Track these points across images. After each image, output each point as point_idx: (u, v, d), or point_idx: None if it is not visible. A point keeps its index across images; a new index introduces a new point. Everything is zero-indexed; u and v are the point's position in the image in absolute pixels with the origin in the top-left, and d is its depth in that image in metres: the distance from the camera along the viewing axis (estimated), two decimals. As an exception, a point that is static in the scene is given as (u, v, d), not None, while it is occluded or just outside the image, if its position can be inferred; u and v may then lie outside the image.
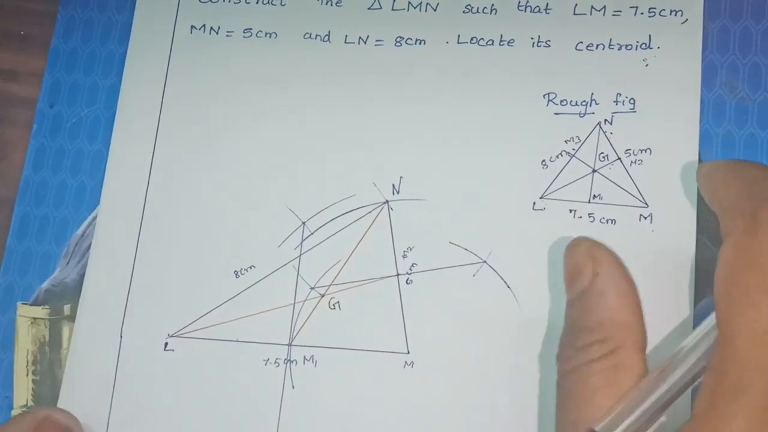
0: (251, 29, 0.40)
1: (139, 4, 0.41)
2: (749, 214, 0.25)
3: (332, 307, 0.36)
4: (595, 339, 0.26)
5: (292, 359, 0.35)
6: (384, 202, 0.37)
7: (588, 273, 0.28)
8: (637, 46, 0.37)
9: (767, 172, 0.28)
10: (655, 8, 0.37)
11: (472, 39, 0.38)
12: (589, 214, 0.35)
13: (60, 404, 0.36)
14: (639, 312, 0.28)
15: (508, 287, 0.35)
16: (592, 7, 0.38)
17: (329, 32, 0.39)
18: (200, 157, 0.38)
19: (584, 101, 0.37)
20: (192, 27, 0.40)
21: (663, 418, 0.27)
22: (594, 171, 0.36)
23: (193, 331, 0.36)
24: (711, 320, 0.27)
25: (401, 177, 0.37)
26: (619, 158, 0.36)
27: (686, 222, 0.35)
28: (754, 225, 0.25)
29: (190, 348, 0.36)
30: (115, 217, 0.38)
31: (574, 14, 0.38)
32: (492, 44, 0.38)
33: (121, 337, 0.36)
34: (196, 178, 0.38)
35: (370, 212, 0.37)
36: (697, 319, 0.32)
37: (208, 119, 0.39)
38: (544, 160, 0.36)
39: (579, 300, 0.28)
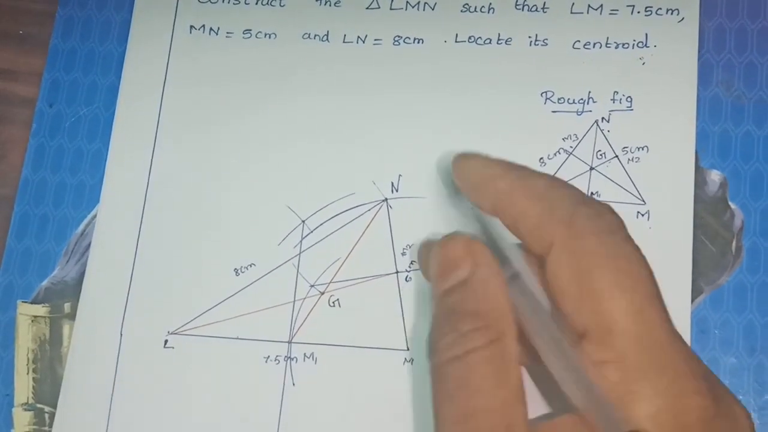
0: (251, 30, 0.40)
1: (138, 4, 0.41)
2: (567, 221, 0.26)
3: (332, 304, 0.36)
4: (478, 325, 0.26)
5: (292, 356, 0.36)
6: (383, 200, 0.37)
7: (467, 264, 0.27)
8: (634, 44, 0.37)
9: (551, 182, 0.29)
10: (651, 7, 0.38)
11: (469, 38, 0.39)
12: (586, 211, 0.36)
13: (60, 402, 0.36)
14: (513, 308, 0.28)
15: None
16: (589, 5, 0.38)
17: (328, 32, 0.40)
18: (200, 156, 0.38)
19: (581, 99, 0.37)
20: (191, 27, 0.40)
21: None
22: (591, 168, 0.36)
23: (193, 328, 0.36)
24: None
25: (400, 175, 0.37)
26: (617, 156, 0.36)
27: (683, 219, 0.35)
28: (576, 229, 0.26)
29: (190, 345, 0.36)
30: (115, 215, 0.38)
31: (571, 13, 0.38)
32: (490, 43, 0.38)
33: (121, 334, 0.37)
34: (196, 176, 0.38)
35: (369, 210, 0.37)
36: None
37: (208, 118, 0.39)
38: (541, 158, 0.37)
39: (458, 289, 0.27)
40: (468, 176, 0.30)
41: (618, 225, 0.27)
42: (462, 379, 0.25)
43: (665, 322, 0.26)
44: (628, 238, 0.27)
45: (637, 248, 0.27)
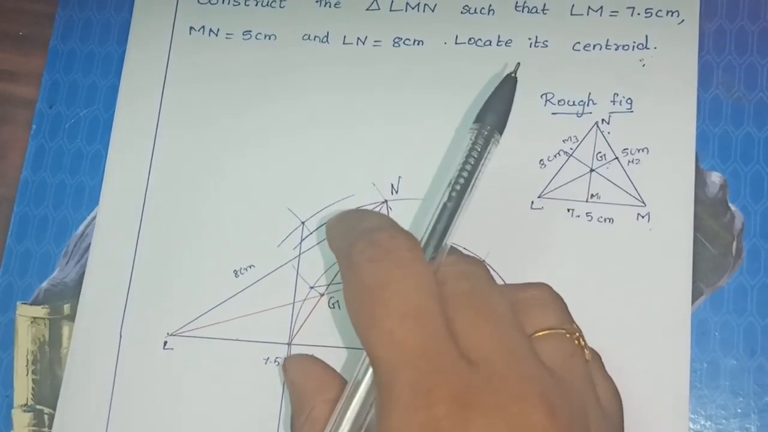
0: (250, 31, 0.40)
1: (138, 5, 0.41)
2: (345, 256, 0.29)
3: (332, 306, 0.36)
4: (295, 411, 0.32)
5: (291, 358, 0.36)
6: (383, 202, 0.37)
7: (283, 375, 0.34)
8: (634, 46, 0.37)
9: (361, 214, 0.33)
10: (651, 9, 0.38)
11: (469, 39, 0.39)
12: (586, 213, 0.36)
13: (60, 403, 0.36)
14: (322, 377, 0.33)
15: (507, 286, 0.35)
16: (589, 7, 0.38)
17: (328, 33, 0.40)
18: (199, 157, 0.38)
19: (582, 101, 0.37)
20: (191, 28, 0.40)
21: None
22: (592, 170, 0.36)
23: (193, 330, 0.36)
24: None
25: (400, 177, 0.37)
26: (617, 157, 0.36)
27: (683, 220, 0.35)
28: (350, 261, 0.29)
29: (189, 347, 0.36)
30: (115, 216, 0.38)
31: (571, 15, 0.38)
32: (490, 44, 0.38)
33: (120, 336, 0.37)
34: (196, 177, 0.38)
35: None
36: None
37: (208, 119, 0.39)
38: (542, 160, 0.37)
39: (288, 392, 0.34)
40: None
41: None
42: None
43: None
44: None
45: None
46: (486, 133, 0.32)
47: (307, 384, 0.32)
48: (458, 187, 0.31)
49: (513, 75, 0.33)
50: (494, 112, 0.32)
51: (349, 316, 0.29)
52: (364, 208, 0.35)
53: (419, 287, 0.28)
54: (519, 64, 0.33)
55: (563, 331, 0.29)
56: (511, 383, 0.26)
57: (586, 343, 0.30)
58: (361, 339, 0.28)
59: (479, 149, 0.32)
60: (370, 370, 0.28)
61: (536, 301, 0.30)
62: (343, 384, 0.32)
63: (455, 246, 0.34)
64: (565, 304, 0.31)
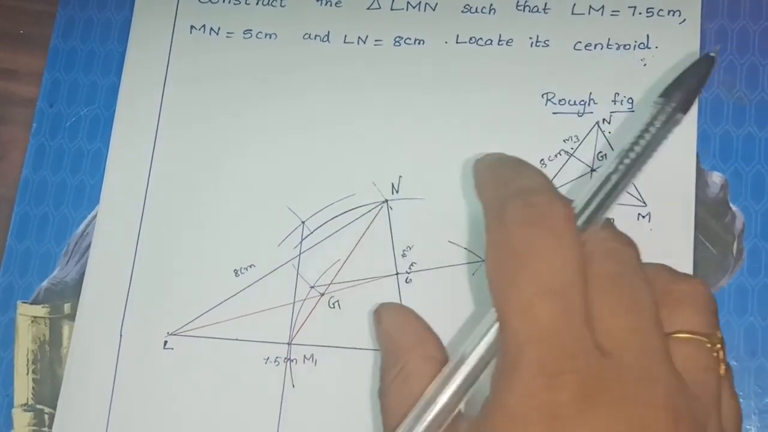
0: (251, 30, 0.40)
1: (138, 4, 0.41)
2: (496, 211, 0.28)
3: (332, 306, 0.36)
4: (387, 364, 0.31)
5: (292, 358, 0.36)
6: (383, 202, 0.37)
7: (375, 323, 0.33)
8: (635, 45, 0.37)
9: (518, 168, 0.31)
10: (653, 8, 0.37)
11: (470, 39, 0.38)
12: (587, 213, 0.36)
13: (60, 402, 0.36)
14: (420, 332, 0.31)
15: (507, 286, 0.35)
16: (590, 6, 0.38)
17: (329, 32, 0.39)
18: (200, 156, 0.38)
19: (582, 101, 0.37)
20: (192, 27, 0.40)
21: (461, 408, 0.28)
22: (592, 170, 0.36)
23: (193, 329, 0.36)
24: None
25: (400, 176, 0.37)
26: (618, 157, 0.36)
27: (684, 221, 0.35)
28: (502, 219, 0.27)
29: (189, 346, 0.36)
30: (115, 216, 0.38)
31: (573, 14, 0.38)
32: (491, 44, 0.38)
33: (120, 335, 0.37)
34: (196, 176, 0.38)
35: (369, 211, 0.37)
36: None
37: (208, 119, 0.39)
38: (542, 159, 0.36)
39: (378, 343, 0.33)
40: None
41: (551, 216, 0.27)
42: (382, 408, 0.30)
43: None
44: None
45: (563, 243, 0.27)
46: (669, 110, 0.30)
47: (404, 336, 0.31)
48: (627, 161, 0.29)
49: (712, 55, 0.30)
50: (683, 89, 0.30)
51: (487, 275, 0.27)
52: (519, 158, 0.32)
53: (568, 262, 0.26)
54: (719, 47, 0.32)
55: (705, 339, 0.27)
56: (640, 383, 0.25)
57: (724, 357, 0.28)
58: (496, 303, 0.27)
59: (658, 125, 0.30)
60: (489, 339, 0.27)
61: (686, 299, 0.28)
62: (439, 342, 0.31)
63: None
64: (716, 306, 0.29)
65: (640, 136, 0.29)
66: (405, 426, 0.28)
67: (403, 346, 0.30)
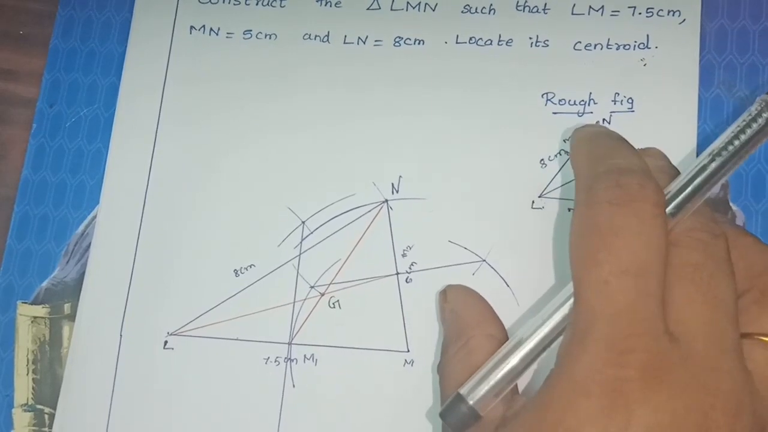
0: (251, 30, 0.40)
1: (138, 4, 0.41)
2: (586, 187, 0.28)
3: (332, 305, 0.36)
4: (450, 339, 0.32)
5: (292, 358, 0.36)
6: (383, 201, 0.37)
7: (441, 302, 0.34)
8: (635, 45, 0.37)
9: (615, 146, 0.31)
10: (653, 8, 0.38)
11: (470, 39, 0.39)
12: (587, 212, 0.36)
13: (60, 403, 0.36)
14: (484, 312, 0.32)
15: (508, 286, 0.35)
16: (590, 7, 0.38)
17: (328, 33, 0.40)
18: (200, 156, 0.38)
19: (582, 101, 0.37)
20: (191, 27, 0.40)
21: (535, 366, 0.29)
22: (593, 170, 0.36)
23: (193, 329, 0.36)
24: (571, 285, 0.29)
25: (400, 176, 0.37)
26: (618, 157, 0.36)
27: (684, 220, 0.35)
28: (590, 196, 0.28)
29: (189, 346, 0.36)
30: (115, 216, 0.38)
31: (572, 14, 0.38)
32: (490, 44, 0.38)
33: (121, 335, 0.37)
34: (196, 177, 0.38)
35: (369, 211, 0.37)
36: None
37: (208, 118, 0.39)
38: (542, 159, 0.36)
39: (442, 320, 0.34)
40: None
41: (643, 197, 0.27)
42: (444, 377, 0.31)
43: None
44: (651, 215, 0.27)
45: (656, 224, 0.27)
46: None
47: (468, 314, 0.32)
48: (727, 152, 0.29)
49: None
50: None
51: (569, 248, 0.28)
52: (618, 134, 0.32)
53: (650, 246, 0.26)
54: None
55: None
56: (705, 371, 0.25)
57: None
58: (574, 275, 0.27)
59: (763, 121, 0.29)
60: (564, 311, 0.28)
61: None
62: (502, 324, 0.32)
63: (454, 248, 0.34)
64: None
65: (742, 130, 0.29)
66: (471, 383, 0.29)
67: (468, 323, 0.32)
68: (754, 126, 0.29)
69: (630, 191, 0.27)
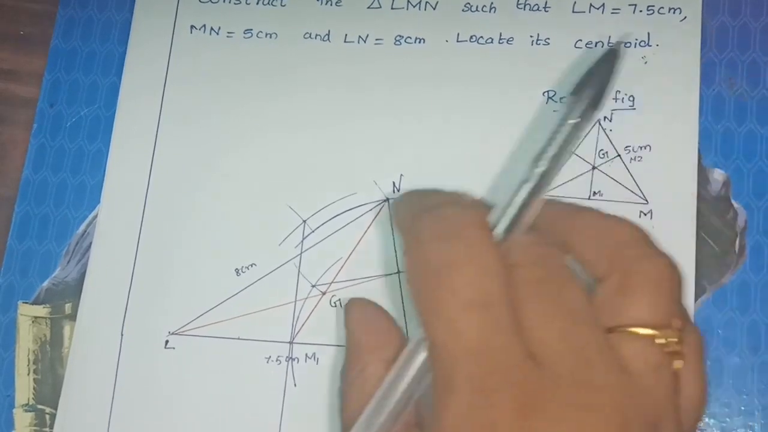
0: (251, 29, 0.40)
1: (138, 4, 0.41)
2: (411, 232, 0.28)
3: (333, 305, 0.36)
4: (349, 363, 0.30)
5: (293, 357, 0.35)
6: (385, 200, 0.37)
7: (345, 319, 0.32)
8: (636, 43, 0.37)
9: (429, 192, 0.31)
10: (653, 6, 0.37)
11: (471, 37, 0.38)
12: (589, 210, 0.36)
13: (61, 403, 0.36)
14: (383, 332, 0.31)
15: (509, 284, 0.35)
16: (591, 4, 0.38)
17: (329, 32, 0.39)
18: (201, 156, 0.38)
19: (584, 98, 0.37)
20: (192, 27, 0.40)
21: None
22: (594, 168, 0.36)
23: (194, 329, 0.36)
24: None
25: (402, 175, 0.37)
26: (619, 155, 0.36)
27: (686, 218, 0.35)
28: (416, 238, 0.27)
29: (191, 346, 0.36)
30: (116, 215, 0.38)
31: (573, 12, 0.38)
32: (491, 42, 0.38)
33: (122, 335, 0.36)
34: (197, 176, 0.38)
35: (370, 210, 0.37)
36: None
37: (209, 118, 0.39)
38: (544, 158, 0.36)
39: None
40: None
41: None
42: (341, 403, 0.30)
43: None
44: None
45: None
46: (582, 107, 0.28)
47: (366, 338, 0.30)
48: (542, 163, 0.28)
49: (616, 49, 0.29)
50: (592, 86, 0.28)
51: (411, 295, 0.27)
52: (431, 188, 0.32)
53: (486, 272, 0.25)
54: (622, 44, 0.29)
55: (657, 333, 0.25)
56: (580, 391, 0.24)
57: (680, 348, 0.26)
58: (422, 321, 0.26)
59: (571, 124, 0.28)
60: (420, 359, 0.27)
61: (643, 283, 0.26)
62: (404, 344, 0.29)
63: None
64: (678, 288, 0.26)
65: (553, 137, 0.28)
66: (359, 426, 0.28)
67: (365, 347, 0.30)
68: (565, 130, 0.28)
69: (453, 222, 0.27)
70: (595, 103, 0.28)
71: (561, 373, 0.24)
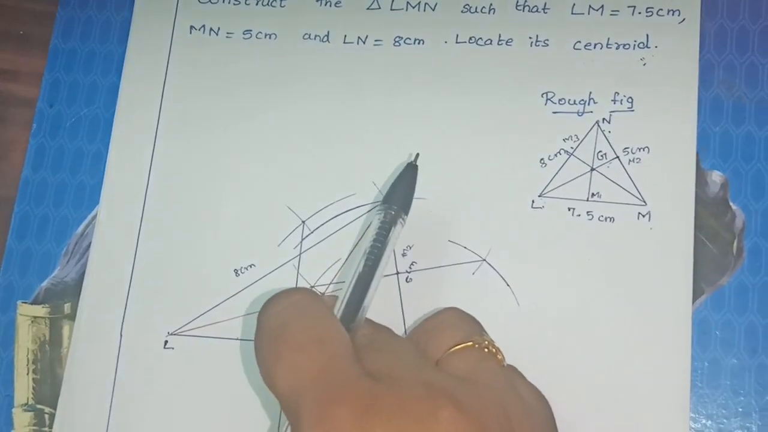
0: (251, 30, 0.40)
1: (138, 4, 0.41)
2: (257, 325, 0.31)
3: (332, 305, 0.36)
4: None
5: (292, 357, 0.35)
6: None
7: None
8: (634, 45, 0.37)
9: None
10: (652, 8, 0.38)
11: (470, 38, 0.39)
12: (587, 212, 0.36)
13: (60, 402, 0.36)
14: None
15: (507, 285, 0.35)
16: (590, 6, 0.38)
17: (328, 32, 0.40)
18: (200, 156, 0.38)
19: (582, 100, 0.37)
20: (191, 27, 0.40)
21: None
22: (592, 169, 0.36)
23: (193, 329, 0.36)
24: None
25: None
26: (618, 157, 0.36)
27: (684, 220, 0.35)
28: (258, 324, 0.31)
29: (190, 346, 0.36)
30: (115, 216, 0.38)
31: (572, 14, 0.38)
32: (490, 44, 0.38)
33: (121, 335, 0.37)
34: (196, 177, 0.38)
35: (369, 211, 0.37)
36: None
37: (208, 119, 0.39)
38: (542, 159, 0.36)
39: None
40: None
41: None
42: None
43: None
44: None
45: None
46: (393, 212, 0.33)
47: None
48: (371, 258, 0.32)
49: (414, 163, 0.35)
50: (399, 194, 0.34)
51: (260, 372, 0.29)
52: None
53: (318, 320, 0.29)
54: (418, 154, 0.36)
55: (471, 343, 0.30)
56: (416, 388, 0.27)
57: (498, 350, 0.31)
58: (269, 384, 0.29)
59: (388, 226, 0.33)
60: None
61: (443, 324, 0.32)
62: None
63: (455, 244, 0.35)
64: (475, 321, 0.32)
65: (377, 238, 0.33)
66: None
67: None
68: (384, 231, 0.33)
69: (287, 297, 0.31)
70: (405, 208, 0.34)
71: (396, 381, 0.27)
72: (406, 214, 0.34)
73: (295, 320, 0.30)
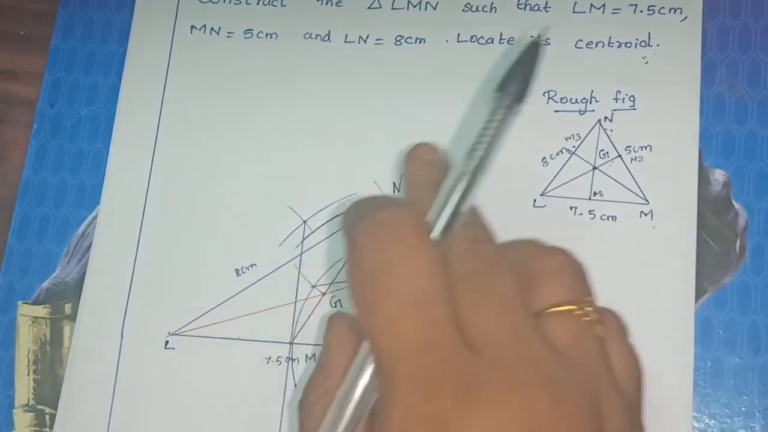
0: (252, 30, 0.40)
1: (138, 4, 0.41)
2: (350, 237, 0.28)
3: (333, 305, 0.36)
4: (316, 380, 0.29)
5: (293, 357, 0.35)
6: (385, 201, 0.37)
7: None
8: (636, 43, 0.37)
9: (369, 199, 0.31)
10: (654, 6, 0.37)
11: (471, 37, 0.38)
12: (589, 211, 0.36)
13: (61, 403, 0.36)
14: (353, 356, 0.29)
15: (510, 284, 0.35)
16: (591, 5, 0.38)
17: (329, 32, 0.39)
18: (201, 156, 0.38)
19: (584, 99, 0.37)
20: (192, 27, 0.40)
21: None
22: (594, 168, 0.36)
23: (194, 329, 0.36)
24: None
25: (402, 175, 0.37)
26: (620, 155, 0.36)
27: (687, 218, 0.35)
28: (354, 244, 0.27)
29: (191, 346, 0.36)
30: (116, 216, 0.38)
31: (574, 12, 0.38)
32: (492, 42, 0.38)
33: (121, 335, 0.36)
34: (197, 176, 0.38)
35: None
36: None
37: (209, 119, 0.39)
38: (544, 158, 0.36)
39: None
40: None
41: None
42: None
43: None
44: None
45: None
46: (507, 103, 0.29)
47: (340, 358, 0.30)
48: (473, 161, 0.28)
49: (537, 42, 0.29)
50: (516, 80, 0.29)
51: (351, 302, 0.27)
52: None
53: (423, 272, 0.26)
54: (547, 28, 0.31)
55: (574, 307, 0.27)
56: (515, 369, 0.25)
57: (598, 318, 0.28)
58: (362, 326, 0.27)
59: (498, 120, 0.28)
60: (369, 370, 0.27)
61: (549, 272, 0.28)
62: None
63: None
64: (582, 271, 0.29)
65: (482, 134, 0.29)
66: None
67: (335, 368, 0.29)
68: (493, 126, 0.28)
69: (387, 226, 0.27)
70: (520, 97, 0.29)
71: (497, 357, 0.25)
72: (521, 104, 0.29)
73: (397, 267, 0.26)
